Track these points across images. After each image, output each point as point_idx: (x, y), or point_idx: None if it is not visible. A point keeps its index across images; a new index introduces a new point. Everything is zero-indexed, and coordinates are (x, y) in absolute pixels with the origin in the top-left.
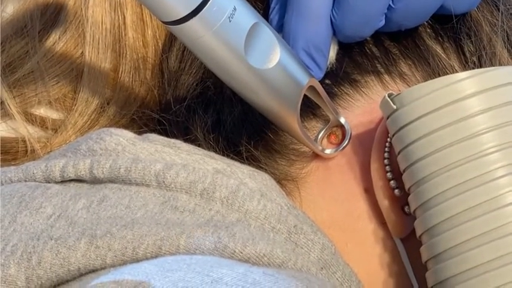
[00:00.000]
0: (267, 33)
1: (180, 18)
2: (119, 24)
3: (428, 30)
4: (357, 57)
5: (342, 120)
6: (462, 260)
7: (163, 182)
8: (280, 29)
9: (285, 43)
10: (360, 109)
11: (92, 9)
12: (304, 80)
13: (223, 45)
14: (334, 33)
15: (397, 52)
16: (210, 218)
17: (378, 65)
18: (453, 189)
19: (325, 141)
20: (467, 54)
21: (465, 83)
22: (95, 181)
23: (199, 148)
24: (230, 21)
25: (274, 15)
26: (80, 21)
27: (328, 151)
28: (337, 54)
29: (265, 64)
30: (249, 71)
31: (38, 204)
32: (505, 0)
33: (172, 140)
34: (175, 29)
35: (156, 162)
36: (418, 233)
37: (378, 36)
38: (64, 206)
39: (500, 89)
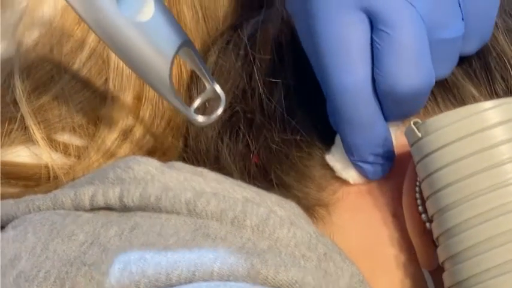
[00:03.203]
0: None
1: None
2: None
3: (473, 76)
4: None
5: (217, 88)
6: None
7: (194, 210)
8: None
9: (161, 1)
10: (395, 141)
11: None
12: (178, 39)
13: None
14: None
15: (437, 92)
16: (241, 245)
17: None
18: (477, 217)
19: None
20: (501, 95)
21: (490, 112)
22: (124, 209)
23: (227, 177)
24: None
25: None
26: (104, 47)
27: (201, 118)
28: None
29: (137, 17)
30: (120, 22)
31: (69, 231)
32: None
33: (199, 169)
34: None
35: (186, 191)
36: (441, 259)
37: None
38: (96, 234)
39: None
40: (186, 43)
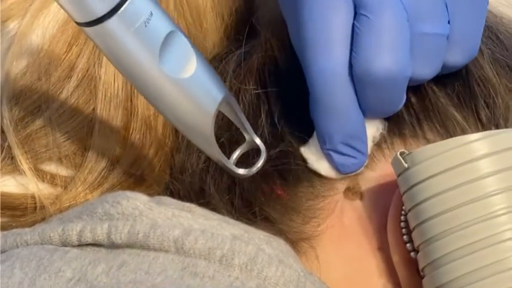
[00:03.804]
0: (183, 43)
1: (96, 19)
2: None
3: (455, 99)
4: (388, 118)
5: (257, 141)
6: None
7: (182, 248)
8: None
9: (202, 55)
10: (381, 170)
11: (105, 67)
12: (220, 94)
13: (138, 51)
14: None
15: (422, 118)
16: (229, 284)
17: (405, 130)
18: (462, 249)
19: None
20: (485, 122)
21: (476, 144)
22: (112, 246)
23: (215, 213)
24: (146, 26)
25: None
26: (92, 77)
27: (241, 171)
28: (384, 129)
29: (179, 74)
30: (163, 79)
31: (57, 268)
32: None
33: (187, 204)
34: (88, 30)
35: (174, 228)
36: None
37: (407, 100)
38: (83, 270)
39: (511, 151)
40: (226, 97)
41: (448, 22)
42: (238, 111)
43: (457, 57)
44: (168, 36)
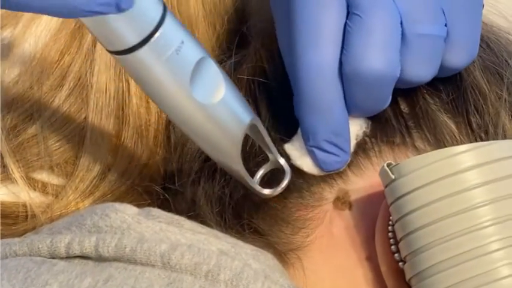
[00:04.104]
0: (213, 69)
1: (128, 49)
2: (123, 91)
3: (446, 105)
4: (376, 126)
5: (282, 161)
6: None
7: (169, 263)
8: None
9: (230, 80)
10: (369, 179)
11: (97, 76)
12: (247, 118)
13: (169, 78)
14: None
15: (412, 125)
16: None
17: (394, 138)
18: (449, 260)
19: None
20: (475, 128)
21: (464, 155)
22: (100, 259)
23: (203, 226)
24: (178, 54)
25: None
26: (84, 86)
27: (266, 191)
28: (367, 128)
29: (209, 99)
30: (193, 105)
31: (43, 281)
32: (510, 71)
33: (176, 217)
34: (120, 58)
35: (161, 243)
36: None
37: (397, 107)
38: (70, 284)
39: (498, 162)
40: (253, 119)
41: (445, 25)
42: (263, 132)
43: (457, 59)
44: (198, 63)
